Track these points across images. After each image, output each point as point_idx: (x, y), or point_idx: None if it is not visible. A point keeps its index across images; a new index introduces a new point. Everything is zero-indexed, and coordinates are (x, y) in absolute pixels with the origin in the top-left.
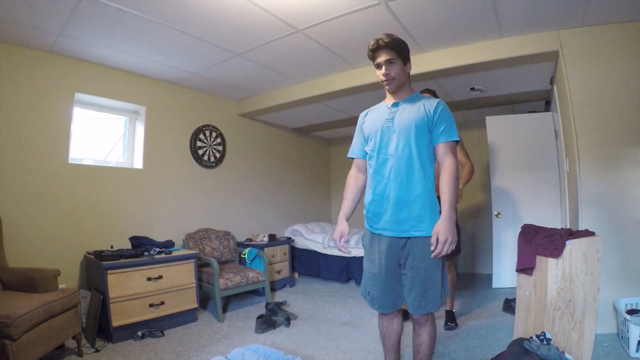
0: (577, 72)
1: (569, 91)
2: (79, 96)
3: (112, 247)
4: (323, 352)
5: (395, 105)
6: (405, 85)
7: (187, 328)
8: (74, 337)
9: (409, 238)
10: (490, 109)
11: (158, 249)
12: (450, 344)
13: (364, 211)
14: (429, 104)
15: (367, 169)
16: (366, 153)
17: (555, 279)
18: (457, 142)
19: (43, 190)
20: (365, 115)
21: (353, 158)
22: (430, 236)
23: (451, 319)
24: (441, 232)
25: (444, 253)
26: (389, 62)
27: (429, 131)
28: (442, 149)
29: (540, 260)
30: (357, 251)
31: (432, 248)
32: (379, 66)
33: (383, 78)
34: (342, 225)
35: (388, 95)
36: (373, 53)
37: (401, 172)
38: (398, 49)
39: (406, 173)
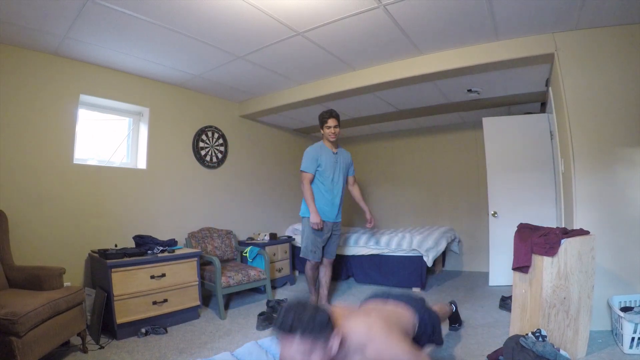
0: (572, 75)
1: (564, 93)
2: (83, 98)
3: (116, 245)
4: None
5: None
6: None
7: (190, 325)
8: (78, 334)
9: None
10: (486, 110)
11: (161, 248)
12: (447, 341)
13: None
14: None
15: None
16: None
17: (550, 277)
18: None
19: (49, 190)
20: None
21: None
22: None
23: (455, 319)
24: None
25: None
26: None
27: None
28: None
29: (535, 258)
30: (357, 250)
31: None
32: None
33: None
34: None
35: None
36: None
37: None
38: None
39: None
